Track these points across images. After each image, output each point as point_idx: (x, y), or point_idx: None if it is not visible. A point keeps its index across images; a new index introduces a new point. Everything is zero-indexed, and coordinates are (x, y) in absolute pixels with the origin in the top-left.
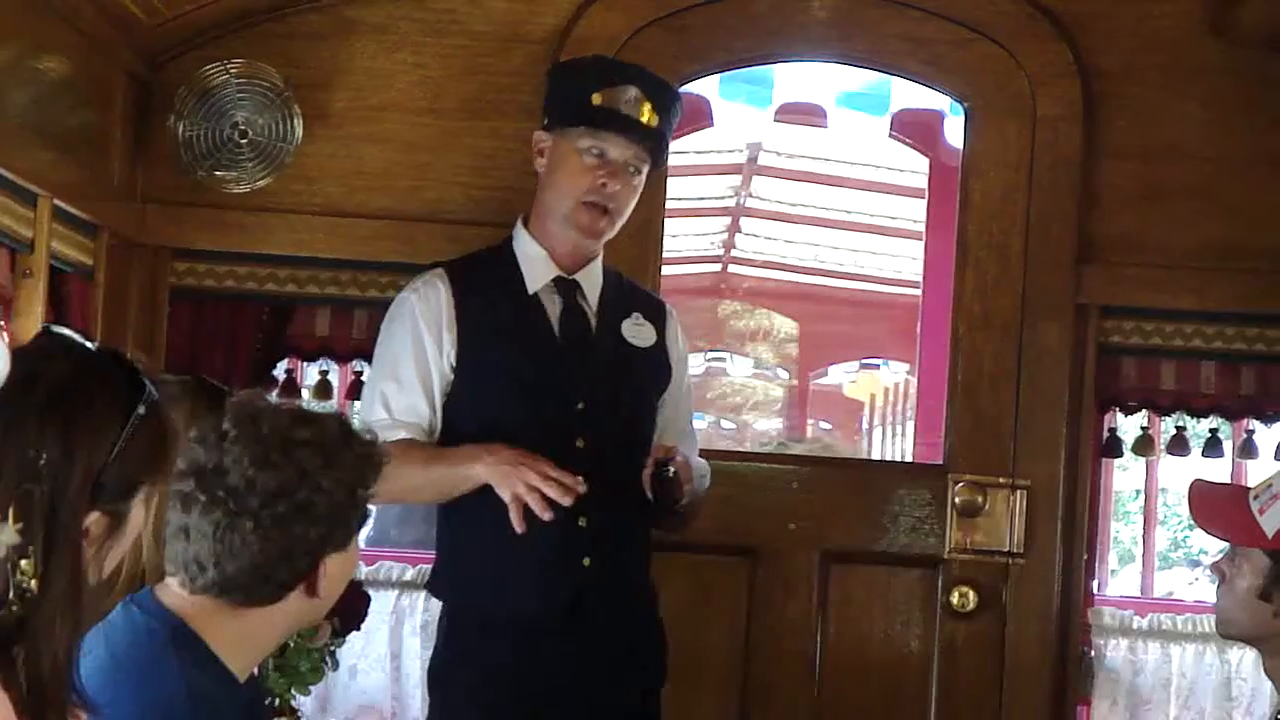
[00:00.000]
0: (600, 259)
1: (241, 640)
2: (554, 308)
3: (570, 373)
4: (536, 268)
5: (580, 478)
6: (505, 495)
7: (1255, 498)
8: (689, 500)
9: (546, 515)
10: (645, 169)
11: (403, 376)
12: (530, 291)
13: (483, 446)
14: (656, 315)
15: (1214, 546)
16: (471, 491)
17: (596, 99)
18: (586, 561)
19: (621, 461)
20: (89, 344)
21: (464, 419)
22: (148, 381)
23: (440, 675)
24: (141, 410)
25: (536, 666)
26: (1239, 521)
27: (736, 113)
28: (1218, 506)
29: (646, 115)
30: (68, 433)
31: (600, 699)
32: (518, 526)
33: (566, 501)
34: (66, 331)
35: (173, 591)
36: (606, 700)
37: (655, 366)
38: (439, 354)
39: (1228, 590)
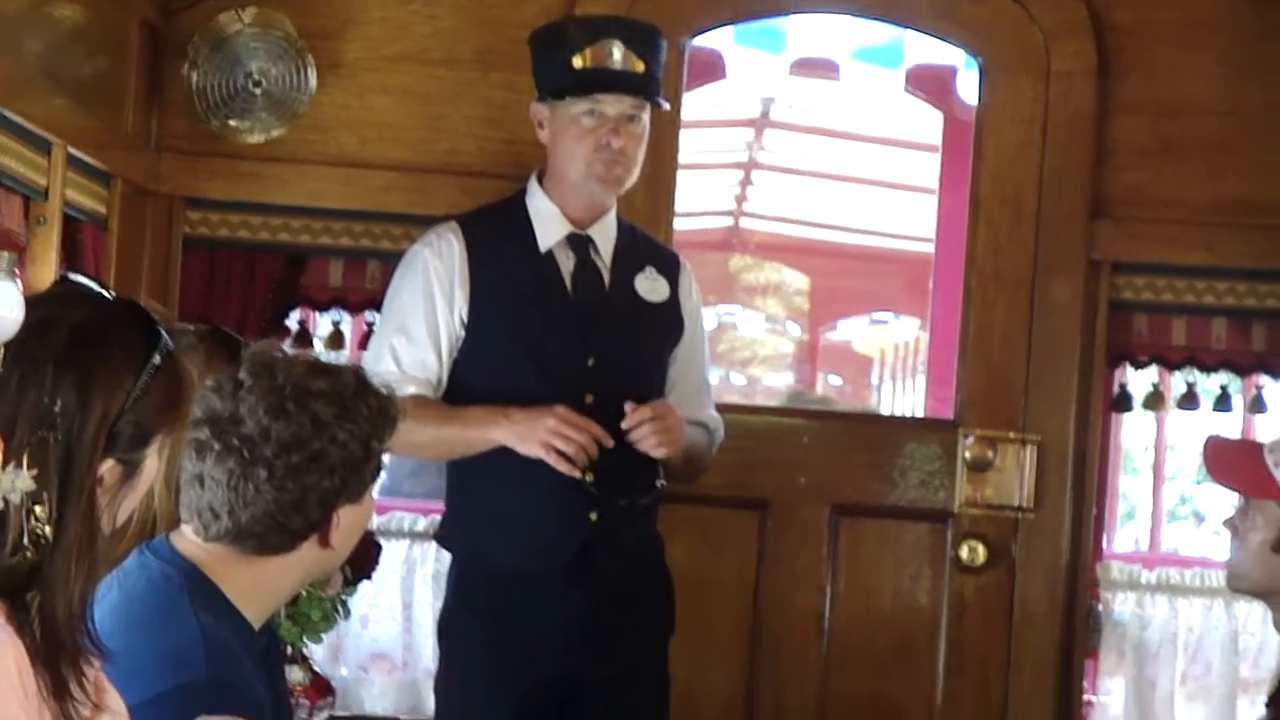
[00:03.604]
0: (614, 212)
1: (256, 588)
2: (567, 263)
3: (582, 328)
4: (549, 224)
5: (604, 426)
6: (535, 453)
7: (1270, 451)
8: (675, 453)
9: (574, 472)
10: (645, 113)
11: (412, 330)
12: (543, 249)
13: (497, 409)
14: (670, 269)
15: (1221, 503)
16: None
17: (579, 62)
18: (593, 516)
19: None
20: (106, 292)
21: (473, 374)
22: (163, 330)
23: (450, 626)
24: (157, 359)
25: (544, 618)
26: (1254, 475)
27: (750, 59)
28: (1232, 461)
29: (633, 64)
30: (84, 381)
31: (608, 649)
32: (569, 472)
33: (584, 459)
34: (83, 280)
35: (188, 539)
36: (614, 650)
37: (668, 321)
38: (450, 310)
39: (1240, 544)
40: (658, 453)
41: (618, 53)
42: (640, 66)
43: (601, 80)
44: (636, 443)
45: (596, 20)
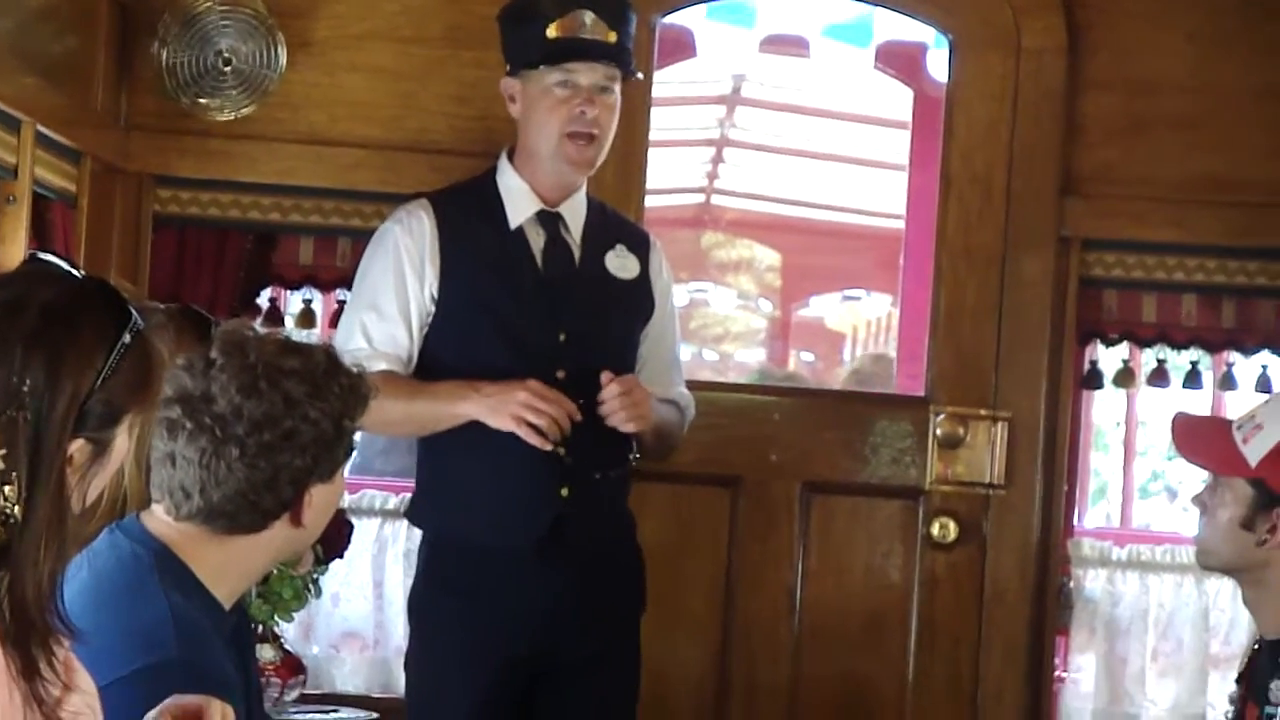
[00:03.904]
0: (584, 190)
1: (226, 568)
2: (537, 240)
3: (552, 305)
4: (519, 201)
5: (575, 402)
6: (506, 426)
7: (1238, 428)
8: (645, 428)
9: (546, 446)
10: (617, 85)
11: (383, 306)
12: (513, 226)
13: (468, 384)
14: (640, 247)
15: (1194, 478)
16: None
17: (552, 32)
18: (565, 491)
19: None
20: (75, 271)
21: (444, 351)
22: (134, 309)
23: (420, 603)
24: (127, 338)
25: (515, 594)
26: (1222, 452)
27: (722, 35)
28: (1201, 437)
29: (605, 34)
30: (53, 360)
31: (579, 627)
32: (541, 445)
33: (555, 432)
34: (53, 258)
35: (158, 518)
36: (586, 629)
37: (638, 298)
38: (420, 286)
39: (1209, 521)
40: (627, 428)
41: (590, 22)
42: (613, 37)
43: (575, 49)
44: (607, 417)
45: None
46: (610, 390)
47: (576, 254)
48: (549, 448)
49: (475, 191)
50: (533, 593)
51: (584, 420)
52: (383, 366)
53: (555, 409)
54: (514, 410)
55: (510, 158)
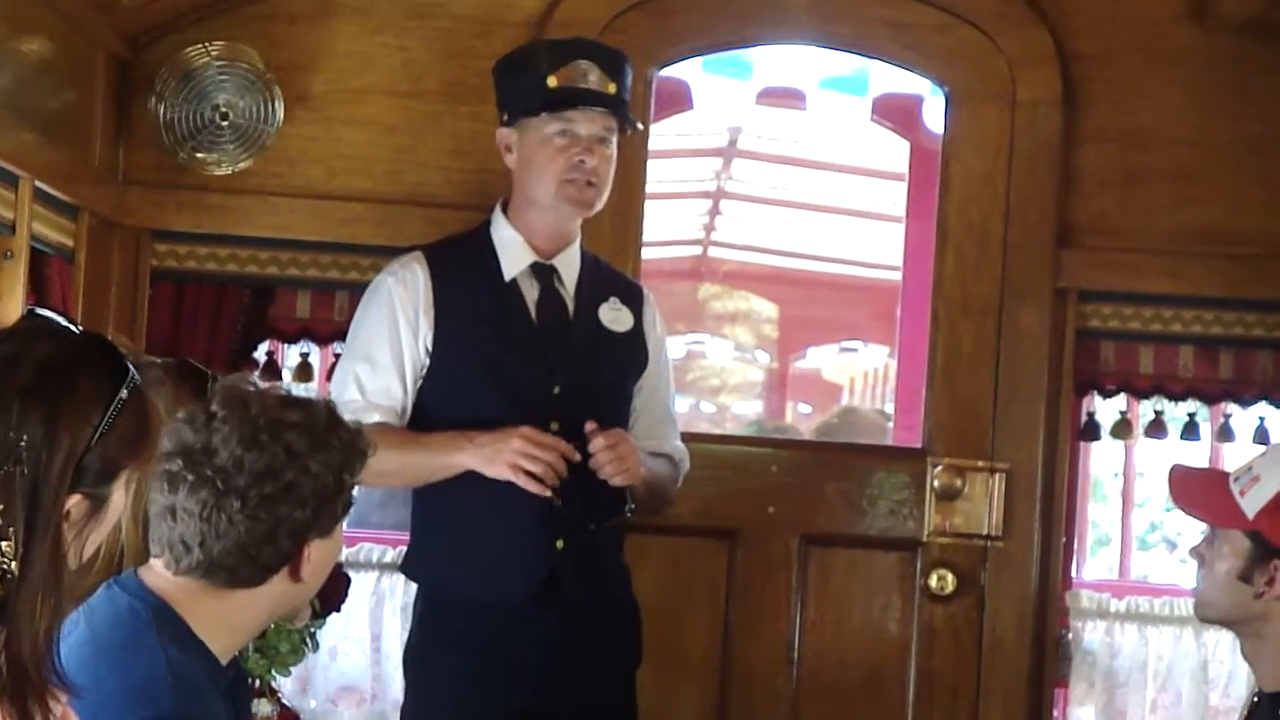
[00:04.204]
0: (578, 243)
1: (224, 622)
2: (531, 293)
3: (546, 357)
4: (514, 253)
5: (570, 444)
6: (503, 475)
7: (1235, 480)
8: (632, 482)
9: (545, 492)
10: (615, 137)
11: (377, 358)
12: (508, 278)
13: (461, 434)
14: (634, 300)
15: (1191, 530)
16: None
17: (552, 81)
18: (559, 544)
19: None
20: (73, 327)
21: (438, 402)
22: (131, 365)
23: (416, 656)
24: (124, 394)
25: (511, 647)
26: (1220, 504)
27: (718, 87)
28: (1198, 490)
29: (604, 84)
30: (50, 416)
31: (575, 680)
32: (541, 492)
33: (553, 478)
34: (50, 314)
35: (157, 573)
36: (582, 681)
37: (632, 351)
38: (414, 338)
39: (1207, 574)
40: (615, 482)
41: (590, 73)
42: (612, 88)
43: (576, 97)
44: (596, 470)
45: (567, 43)
46: (596, 444)
47: (570, 306)
48: (547, 494)
49: (469, 244)
50: (528, 645)
51: (578, 472)
52: (376, 418)
53: (551, 454)
54: (509, 459)
55: (504, 210)
